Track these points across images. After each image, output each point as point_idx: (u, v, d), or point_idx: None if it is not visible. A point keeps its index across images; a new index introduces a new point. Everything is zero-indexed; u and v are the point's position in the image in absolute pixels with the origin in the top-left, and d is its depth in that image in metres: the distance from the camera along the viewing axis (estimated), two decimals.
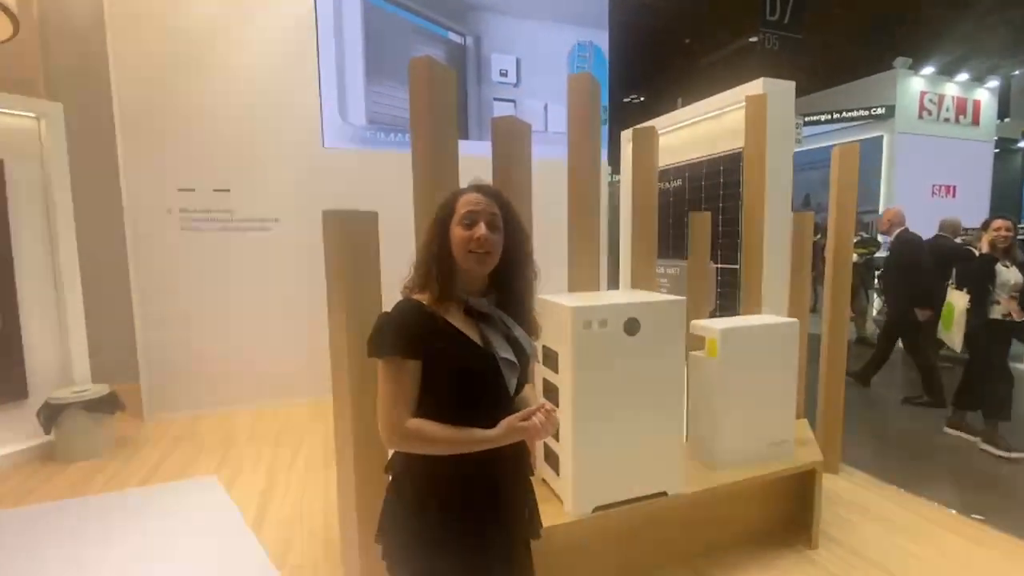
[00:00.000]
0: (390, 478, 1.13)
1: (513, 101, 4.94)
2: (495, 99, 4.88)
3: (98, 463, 3.17)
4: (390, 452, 1.16)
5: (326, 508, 2.56)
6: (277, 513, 2.57)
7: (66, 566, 2.16)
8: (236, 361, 4.14)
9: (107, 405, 3.28)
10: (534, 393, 1.20)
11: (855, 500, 2.63)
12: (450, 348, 1.00)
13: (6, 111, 3.24)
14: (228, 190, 4.09)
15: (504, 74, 4.89)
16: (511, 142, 1.99)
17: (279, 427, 3.78)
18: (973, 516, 2.49)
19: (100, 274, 4.06)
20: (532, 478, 1.20)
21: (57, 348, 3.43)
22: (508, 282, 1.08)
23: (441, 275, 1.02)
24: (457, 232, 1.02)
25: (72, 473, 3.04)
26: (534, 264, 1.12)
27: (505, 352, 1.01)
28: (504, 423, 0.97)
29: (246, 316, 4.16)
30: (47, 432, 3.19)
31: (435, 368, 1.00)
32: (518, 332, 1.06)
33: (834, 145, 2.94)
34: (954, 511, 2.53)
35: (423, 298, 1.03)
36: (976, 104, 9.67)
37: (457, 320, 1.04)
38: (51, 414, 3.14)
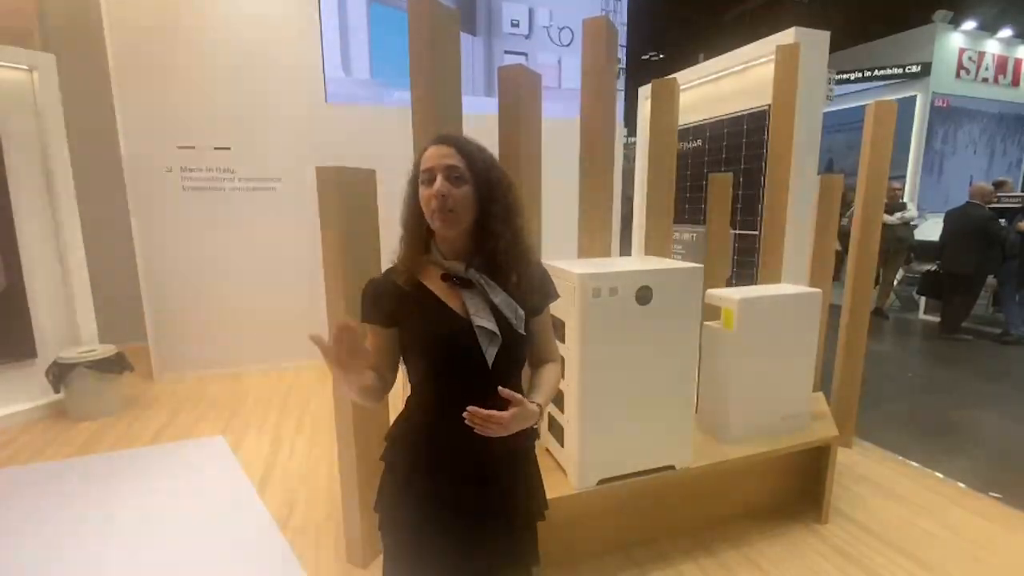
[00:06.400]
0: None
1: (525, 55, 4.68)
2: (506, 52, 4.62)
3: (107, 422, 3.20)
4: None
5: (330, 471, 2.56)
6: (282, 475, 2.57)
7: (74, 523, 2.19)
8: (244, 322, 4.12)
9: (115, 365, 3.29)
10: (556, 373, 1.08)
11: (868, 475, 2.56)
12: (422, 316, 0.96)
13: None
14: (229, 148, 3.97)
15: (516, 25, 4.62)
16: (519, 94, 1.84)
17: (286, 389, 3.79)
18: (990, 494, 2.41)
19: (104, 233, 4.02)
20: (536, 449, 1.12)
21: (63, 307, 3.42)
22: (488, 239, 0.95)
23: (412, 239, 0.97)
24: (422, 192, 0.93)
25: (81, 432, 3.07)
26: (521, 216, 0.99)
27: (482, 320, 0.93)
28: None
29: (252, 277, 4.12)
30: (56, 391, 3.21)
31: (410, 336, 0.97)
32: (499, 299, 0.95)
33: (863, 105, 2.73)
34: (970, 488, 2.46)
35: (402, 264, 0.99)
36: (1017, 63, 9.07)
37: (437, 287, 0.97)
38: (60, 373, 3.15)
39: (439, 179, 0.90)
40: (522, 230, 0.99)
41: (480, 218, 0.95)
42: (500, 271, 0.97)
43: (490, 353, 0.93)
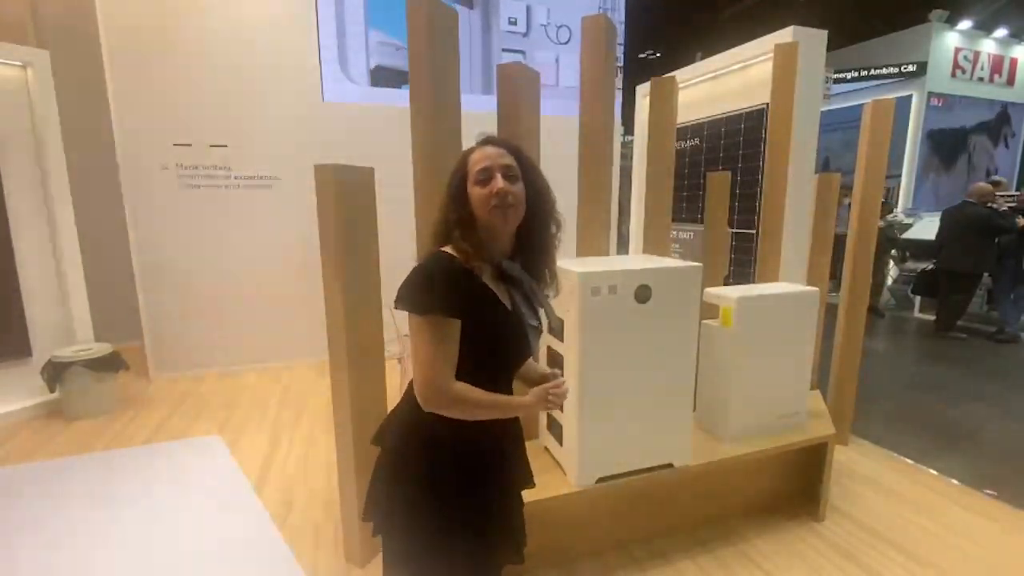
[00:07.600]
0: (380, 450, 1.08)
1: (523, 52, 4.67)
2: (503, 50, 4.61)
3: (102, 421, 3.18)
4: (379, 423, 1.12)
5: (328, 470, 2.55)
6: (279, 474, 2.56)
7: (70, 523, 2.18)
8: (241, 321, 4.11)
9: (110, 364, 3.27)
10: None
11: (864, 472, 2.57)
12: (490, 312, 0.97)
13: None
14: (226, 145, 3.94)
15: (513, 22, 4.61)
16: (518, 91, 1.83)
17: (284, 387, 3.77)
18: (985, 491, 2.43)
19: (99, 231, 3.99)
20: (528, 442, 1.22)
21: (58, 306, 3.40)
22: (533, 237, 1.02)
23: (467, 238, 0.96)
24: (475, 192, 0.95)
25: (77, 431, 3.05)
26: (558, 213, 1.06)
27: (532, 319, 1.01)
28: (536, 394, 1.00)
29: (250, 275, 4.10)
30: (52, 390, 3.20)
31: (474, 331, 0.94)
32: (544, 298, 1.05)
33: (860, 105, 2.74)
34: (966, 485, 2.48)
35: (451, 252, 0.97)
36: (1013, 62, 9.13)
37: (490, 282, 0.99)
38: (55, 372, 3.13)
39: (499, 177, 0.94)
40: (558, 226, 1.06)
41: (528, 215, 1.00)
42: (542, 266, 1.05)
43: (536, 348, 1.03)
